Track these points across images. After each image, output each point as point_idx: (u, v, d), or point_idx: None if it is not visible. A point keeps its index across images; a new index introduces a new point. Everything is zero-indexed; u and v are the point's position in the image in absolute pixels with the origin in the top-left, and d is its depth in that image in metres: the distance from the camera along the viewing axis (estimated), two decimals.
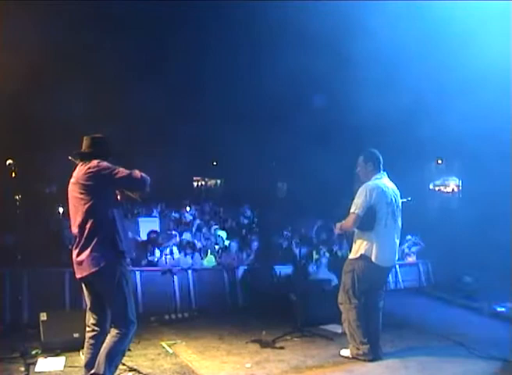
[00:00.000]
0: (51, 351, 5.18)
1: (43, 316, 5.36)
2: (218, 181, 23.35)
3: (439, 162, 16.76)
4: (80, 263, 3.82)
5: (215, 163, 21.42)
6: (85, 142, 4.04)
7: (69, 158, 4.02)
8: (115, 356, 3.83)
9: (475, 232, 8.36)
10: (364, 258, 4.90)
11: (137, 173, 3.83)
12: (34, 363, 4.86)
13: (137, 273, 6.98)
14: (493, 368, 4.67)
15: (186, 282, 7.30)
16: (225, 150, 15.15)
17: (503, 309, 6.47)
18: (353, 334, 4.93)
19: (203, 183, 23.57)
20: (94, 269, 3.77)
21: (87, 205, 3.81)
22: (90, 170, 3.82)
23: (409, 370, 4.68)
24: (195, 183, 22.73)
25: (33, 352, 5.16)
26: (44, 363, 4.91)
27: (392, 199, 4.98)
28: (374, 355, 4.87)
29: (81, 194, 3.84)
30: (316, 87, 9.49)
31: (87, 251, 3.78)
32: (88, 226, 3.80)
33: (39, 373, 4.71)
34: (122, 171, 3.81)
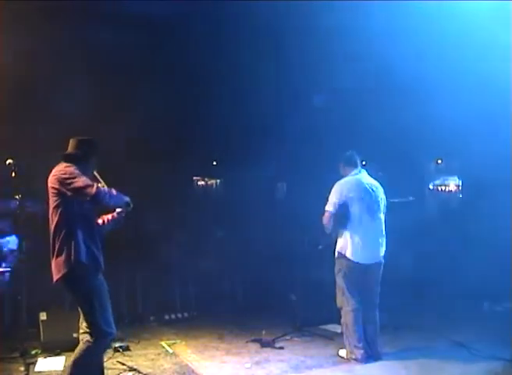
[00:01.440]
0: (50, 350, 5.18)
1: (43, 316, 5.37)
2: (218, 181, 23.31)
3: (439, 161, 16.77)
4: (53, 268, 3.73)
5: (214, 163, 21.38)
6: (70, 144, 3.95)
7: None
8: (83, 368, 3.63)
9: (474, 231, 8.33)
10: (343, 256, 4.94)
11: (93, 188, 3.57)
12: (34, 363, 4.87)
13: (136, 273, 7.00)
14: (493, 368, 4.67)
15: (186, 282, 7.29)
16: (225, 150, 15.15)
17: (502, 309, 6.48)
18: (349, 338, 4.93)
19: (203, 183, 23.54)
20: (57, 277, 3.68)
21: (50, 210, 3.74)
22: (55, 174, 3.72)
23: (409, 370, 4.68)
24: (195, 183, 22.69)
25: (33, 352, 5.17)
26: (43, 363, 4.91)
27: (367, 195, 4.97)
28: (368, 359, 4.86)
29: (50, 197, 3.75)
30: (315, 87, 9.48)
31: (54, 258, 3.69)
32: (52, 231, 3.71)
33: (39, 372, 4.72)
34: (78, 181, 3.60)
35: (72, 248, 3.63)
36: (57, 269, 3.68)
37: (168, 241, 7.75)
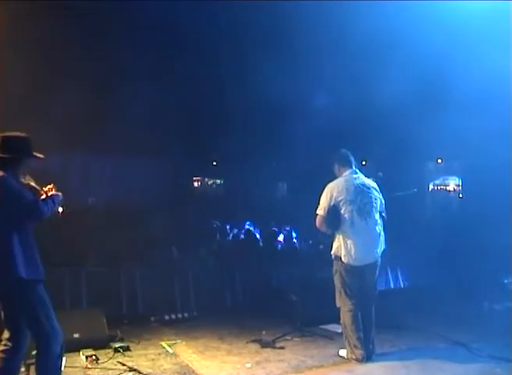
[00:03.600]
0: None
1: None
2: (218, 181, 23.34)
3: (439, 161, 16.77)
4: None
5: (214, 163, 21.40)
6: None
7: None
8: None
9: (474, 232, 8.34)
10: (337, 258, 4.94)
11: (36, 206, 3.42)
12: (34, 364, 4.85)
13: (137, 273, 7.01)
14: (493, 368, 4.66)
15: (186, 282, 7.28)
16: (225, 150, 15.17)
17: (502, 309, 6.48)
18: (348, 338, 4.92)
19: (202, 182, 23.54)
20: None
21: None
22: None
23: (409, 370, 4.68)
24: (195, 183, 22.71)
25: (33, 353, 5.15)
26: None
27: (358, 196, 4.89)
28: (368, 359, 4.85)
29: None
30: (316, 86, 9.50)
31: None
32: None
33: None
34: (21, 202, 3.39)
35: (11, 264, 3.39)
36: None
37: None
